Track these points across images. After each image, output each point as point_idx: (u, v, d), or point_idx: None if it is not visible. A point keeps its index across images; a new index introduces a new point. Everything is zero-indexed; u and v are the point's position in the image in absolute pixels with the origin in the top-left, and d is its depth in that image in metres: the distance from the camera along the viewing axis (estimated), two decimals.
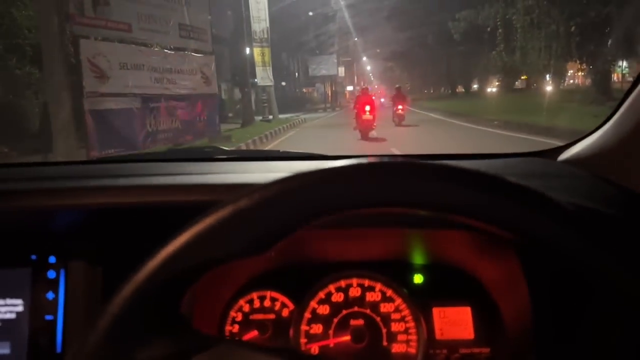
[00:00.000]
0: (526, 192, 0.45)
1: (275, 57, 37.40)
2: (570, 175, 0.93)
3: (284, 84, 39.32)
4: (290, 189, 0.44)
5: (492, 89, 35.30)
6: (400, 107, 16.26)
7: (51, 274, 0.85)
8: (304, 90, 47.55)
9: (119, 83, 8.81)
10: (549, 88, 23.96)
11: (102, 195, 0.83)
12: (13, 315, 0.83)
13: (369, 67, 75.43)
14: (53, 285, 0.84)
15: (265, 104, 21.22)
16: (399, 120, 16.24)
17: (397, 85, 18.62)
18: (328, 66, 38.61)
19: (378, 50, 53.31)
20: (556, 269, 0.66)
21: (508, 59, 21.75)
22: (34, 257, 0.85)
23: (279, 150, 1.55)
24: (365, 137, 13.16)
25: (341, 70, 46.92)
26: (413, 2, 34.52)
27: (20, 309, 0.84)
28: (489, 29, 22.42)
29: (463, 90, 41.14)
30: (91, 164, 1.28)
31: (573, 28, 19.21)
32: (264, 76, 21.25)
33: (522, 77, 33.27)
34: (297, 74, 45.26)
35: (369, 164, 0.45)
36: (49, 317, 0.84)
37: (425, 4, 33.01)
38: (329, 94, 43.40)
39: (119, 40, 8.98)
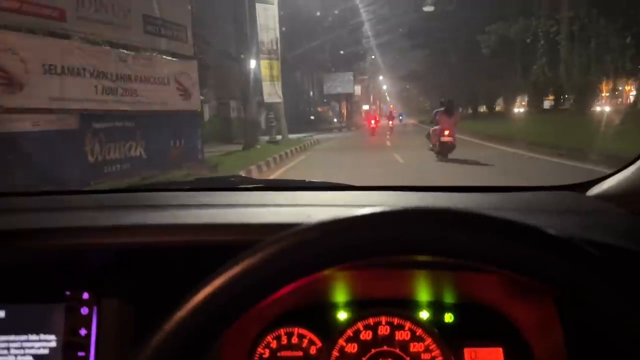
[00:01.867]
0: (566, 245, 0.44)
1: (288, 74, 35.05)
2: (604, 211, 0.90)
3: (295, 102, 36.45)
4: (315, 238, 0.45)
5: (519, 109, 31.92)
6: (447, 132, 9.87)
7: (84, 311, 0.83)
8: (319, 109, 44.75)
9: (40, 94, 5.84)
10: (597, 108, 20.56)
11: (137, 234, 0.82)
12: (46, 351, 0.83)
13: (384, 87, 72.71)
14: (86, 321, 0.82)
15: (273, 123, 18.14)
16: (445, 152, 9.95)
17: (446, 99, 11.42)
18: (344, 84, 35.67)
19: (396, 69, 50.42)
20: (593, 314, 0.57)
21: (551, 74, 18.51)
22: (68, 292, 0.83)
23: (304, 180, 1.34)
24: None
25: (357, 89, 43.99)
26: (436, 17, 31.51)
27: (53, 344, 0.83)
28: (527, 41, 19.12)
29: (487, 110, 37.79)
30: (120, 193, 1.23)
31: (629, 39, 15.91)
32: (271, 92, 18.23)
33: (549, 97, 29.88)
34: (311, 93, 42.47)
35: (399, 213, 0.45)
36: (81, 354, 0.82)
37: (450, 19, 29.98)
38: (344, 113, 40.38)
39: (44, 32, 6.09)
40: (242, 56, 16.67)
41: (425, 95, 54.43)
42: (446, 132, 9.83)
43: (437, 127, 10.03)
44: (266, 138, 18.13)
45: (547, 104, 32.16)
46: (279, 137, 19.95)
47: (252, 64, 17.67)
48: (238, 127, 27.06)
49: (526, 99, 31.74)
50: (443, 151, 9.98)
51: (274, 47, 18.22)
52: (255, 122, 17.15)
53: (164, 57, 8.16)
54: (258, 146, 16.36)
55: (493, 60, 26.68)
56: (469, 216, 0.45)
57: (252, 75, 16.88)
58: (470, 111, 41.43)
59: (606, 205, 0.92)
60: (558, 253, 0.43)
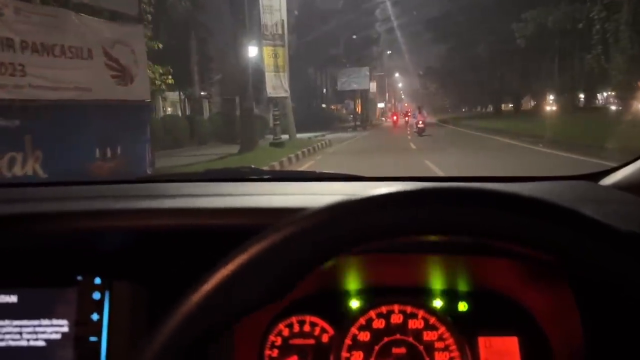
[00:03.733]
0: (582, 218, 0.42)
1: (299, 69, 32.08)
2: (620, 200, 0.89)
3: (307, 98, 33.32)
4: (336, 216, 0.43)
5: (551, 107, 28.32)
6: (421, 122, 19.64)
7: (96, 295, 0.82)
8: (332, 107, 41.63)
9: None
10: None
11: (149, 217, 0.81)
12: (58, 336, 0.82)
13: (400, 84, 69.22)
14: (98, 306, 0.81)
15: (278, 122, 14.97)
16: (419, 132, 19.25)
17: (419, 105, 22.63)
18: (359, 79, 32.36)
19: (412, 65, 47.06)
20: (611, 298, 0.58)
21: (607, 65, 15.08)
22: (79, 277, 0.83)
23: (315, 171, 1.41)
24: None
25: (373, 86, 40.67)
26: (462, 6, 28.12)
27: (65, 329, 0.82)
28: (569, 29, 15.67)
29: (512, 107, 34.23)
30: (131, 184, 1.18)
31: None
32: (276, 85, 15.07)
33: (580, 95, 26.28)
34: (324, 90, 39.32)
35: (415, 191, 0.43)
36: (93, 339, 0.81)
37: (477, 8, 26.56)
38: (359, 111, 37.10)
39: None
40: (238, 41, 13.53)
41: (444, 93, 51.03)
42: (420, 122, 19.42)
43: (414, 119, 20.51)
44: (271, 137, 15.04)
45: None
46: (285, 137, 16.84)
47: (253, 51, 14.56)
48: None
49: (555, 96, 28.16)
50: (419, 132, 19.14)
51: (280, 32, 15.05)
52: (253, 120, 14.01)
53: (81, 14, 4.96)
54: (257, 149, 13.27)
55: (526, 52, 23.25)
56: (499, 194, 0.42)
57: (250, 65, 13.71)
58: (492, 109, 37.84)
59: (621, 194, 0.90)
60: (581, 228, 0.42)
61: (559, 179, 1.04)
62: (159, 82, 16.31)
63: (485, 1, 25.54)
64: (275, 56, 14.92)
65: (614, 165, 0.99)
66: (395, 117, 29.14)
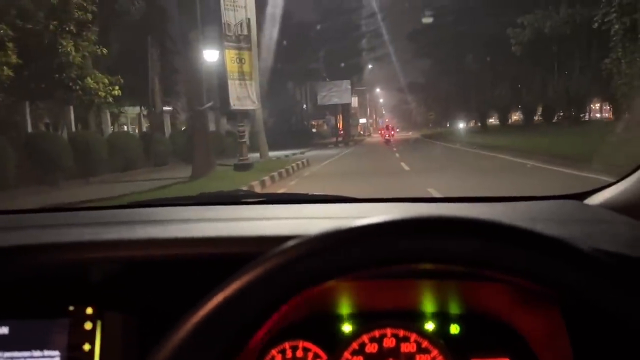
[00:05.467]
0: (568, 248, 0.43)
1: (280, 85, 29.59)
2: (606, 219, 0.88)
3: (286, 114, 30.60)
4: (306, 253, 0.43)
5: (557, 118, 26.00)
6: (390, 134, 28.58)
7: (88, 325, 0.80)
8: (313, 122, 38.98)
9: None
10: None
11: (140, 248, 0.80)
12: None
13: (381, 100, 67.06)
14: (89, 336, 0.80)
15: (244, 139, 12.07)
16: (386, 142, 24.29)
17: (387, 120, 27.39)
18: (340, 93, 29.74)
19: (394, 80, 44.85)
20: (599, 322, 0.57)
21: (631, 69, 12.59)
22: (71, 307, 0.81)
23: (307, 194, 1.26)
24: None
25: (354, 100, 38.15)
26: (450, 13, 25.81)
27: None
28: (595, 26, 13.20)
29: (499, 122, 31.92)
30: (123, 209, 1.19)
31: None
32: (242, 95, 12.22)
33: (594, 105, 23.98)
34: (305, 105, 36.67)
35: (402, 221, 0.43)
36: None
37: (465, 16, 24.24)
38: (341, 127, 34.43)
39: None
40: (189, 42, 10.66)
41: (426, 108, 48.83)
42: (387, 136, 29.85)
43: (385, 130, 32.66)
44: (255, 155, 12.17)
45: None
46: (255, 155, 13.98)
47: (211, 55, 11.74)
48: (214, 142, 21.18)
49: (548, 107, 25.88)
50: (386, 142, 26.20)
51: (245, 33, 12.25)
52: (208, 138, 11.07)
53: None
54: (216, 173, 10.37)
55: (520, 61, 20.89)
56: (487, 224, 0.43)
57: (209, 71, 10.81)
58: (478, 124, 35.62)
59: (609, 213, 0.90)
60: (570, 260, 0.42)
61: (546, 199, 1.04)
62: (104, 94, 13.46)
63: (475, 9, 23.22)
64: (240, 61, 12.10)
65: None
66: (382, 132, 28.93)
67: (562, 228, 0.81)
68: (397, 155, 16.93)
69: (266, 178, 9.75)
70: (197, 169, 10.15)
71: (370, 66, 40.57)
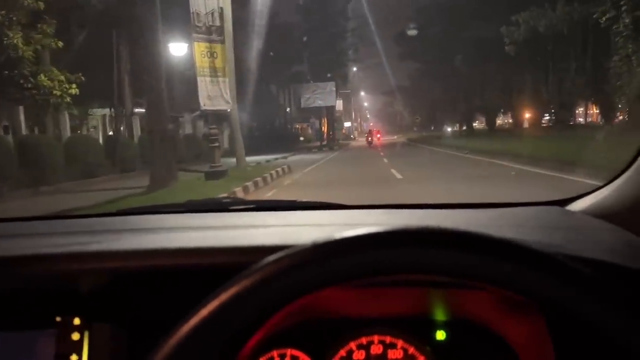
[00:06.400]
0: (546, 258, 0.43)
1: (263, 88, 28.04)
2: (592, 226, 0.88)
3: (269, 118, 29.07)
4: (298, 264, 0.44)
5: (524, 123, 24.86)
6: (375, 138, 28.10)
7: (75, 336, 0.79)
8: (297, 126, 37.46)
9: None
10: None
11: (128, 259, 0.79)
12: None
13: (366, 103, 65.81)
14: (77, 347, 0.78)
15: (216, 144, 10.48)
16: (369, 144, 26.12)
17: (371, 124, 29.26)
18: (324, 95, 28.26)
19: (379, 83, 43.59)
20: (581, 331, 0.57)
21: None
22: (58, 318, 0.80)
23: (296, 201, 1.27)
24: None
25: (339, 104, 36.74)
26: (439, 13, 24.54)
27: None
28: (603, 20, 11.92)
29: (486, 126, 30.77)
30: (112, 216, 1.17)
31: None
32: (214, 94, 10.64)
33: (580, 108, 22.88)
34: (288, 108, 35.13)
35: (389, 233, 0.44)
36: None
37: (455, 17, 22.99)
38: (326, 130, 32.97)
39: None
40: (147, 33, 9.06)
41: (411, 111, 47.66)
42: (373, 138, 28.11)
43: (368, 135, 29.47)
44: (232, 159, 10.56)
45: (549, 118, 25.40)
46: (232, 160, 12.40)
47: (179, 49, 10.15)
48: (188, 148, 19.41)
49: (538, 110, 24.79)
50: (371, 145, 26.37)
51: (218, 24, 10.69)
52: (168, 143, 9.40)
53: None
54: (182, 183, 8.78)
55: (512, 62, 19.69)
56: (464, 235, 0.44)
57: (159, 66, 9.22)
58: (456, 127, 34.48)
59: (591, 220, 0.89)
60: (548, 271, 0.43)
61: (530, 205, 1.04)
62: (59, 93, 11.78)
63: (465, 9, 21.98)
64: (212, 55, 10.53)
65: None
66: (367, 137, 28.68)
67: (545, 235, 0.81)
68: (385, 160, 15.49)
69: (238, 189, 8.20)
70: (155, 180, 8.54)
71: (355, 69, 39.25)
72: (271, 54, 25.78)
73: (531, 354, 0.77)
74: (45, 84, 11.03)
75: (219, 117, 13.15)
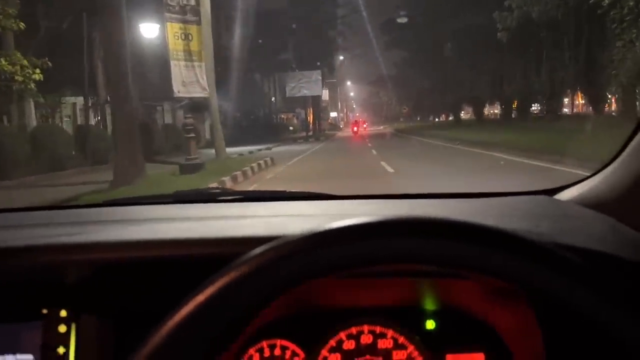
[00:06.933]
0: (535, 247, 0.43)
1: (247, 77, 26.98)
2: (580, 215, 0.87)
3: (253, 107, 28.07)
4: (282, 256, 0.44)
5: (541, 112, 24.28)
6: (359, 127, 28.87)
7: (62, 328, 0.78)
8: (283, 116, 36.45)
9: None
10: None
11: (115, 250, 0.79)
12: None
13: (352, 93, 64.91)
14: (64, 339, 0.78)
15: (192, 134, 9.56)
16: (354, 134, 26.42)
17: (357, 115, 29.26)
18: (310, 85, 27.32)
19: (365, 73, 42.77)
20: (570, 316, 0.56)
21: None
22: (45, 311, 0.80)
23: (285, 191, 1.24)
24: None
25: (325, 93, 35.82)
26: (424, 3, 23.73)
27: None
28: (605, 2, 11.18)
29: (474, 116, 30.17)
30: (98, 207, 1.15)
31: None
32: (189, 80, 9.70)
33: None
34: (273, 98, 34.08)
35: (377, 224, 0.44)
36: None
37: (443, 4, 22.22)
38: (311, 120, 32.06)
39: None
40: (109, 14, 8.04)
41: (398, 101, 46.92)
42: (359, 128, 29.91)
43: (354, 125, 31.75)
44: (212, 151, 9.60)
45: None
46: (213, 152, 11.51)
47: (150, 30, 9.16)
48: (167, 138, 18.34)
49: (525, 100, 24.25)
50: (361, 138, 24.71)
51: (193, 3, 9.70)
52: (135, 134, 8.41)
53: None
54: (154, 177, 7.86)
55: (504, 49, 19.01)
56: (453, 224, 0.44)
57: (123, 48, 8.20)
58: (441, 118, 33.87)
59: (579, 209, 0.88)
60: (538, 260, 0.43)
61: (518, 194, 1.03)
62: (21, 78, 10.74)
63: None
64: (186, 37, 9.57)
65: None
66: (353, 127, 28.09)
67: (533, 224, 0.80)
68: (374, 152, 14.71)
69: (213, 184, 7.33)
70: (119, 175, 7.60)
71: (341, 57, 38.29)
72: (256, 41, 24.78)
73: (520, 343, 0.77)
74: (6, 69, 10.00)
75: (199, 106, 12.24)
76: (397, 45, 31.52)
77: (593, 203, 0.86)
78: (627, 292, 0.41)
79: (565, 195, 0.96)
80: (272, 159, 12.37)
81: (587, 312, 0.41)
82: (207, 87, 10.05)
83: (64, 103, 16.84)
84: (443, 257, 0.43)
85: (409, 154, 13.49)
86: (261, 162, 11.33)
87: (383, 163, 10.66)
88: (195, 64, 9.77)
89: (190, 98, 10.10)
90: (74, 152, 13.36)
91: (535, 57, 18.79)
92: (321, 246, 0.43)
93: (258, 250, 0.44)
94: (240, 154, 13.79)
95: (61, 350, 0.75)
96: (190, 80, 9.66)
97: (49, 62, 10.63)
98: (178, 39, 9.49)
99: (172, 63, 9.40)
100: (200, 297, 0.42)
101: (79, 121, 16.54)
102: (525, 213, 0.89)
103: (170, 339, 0.41)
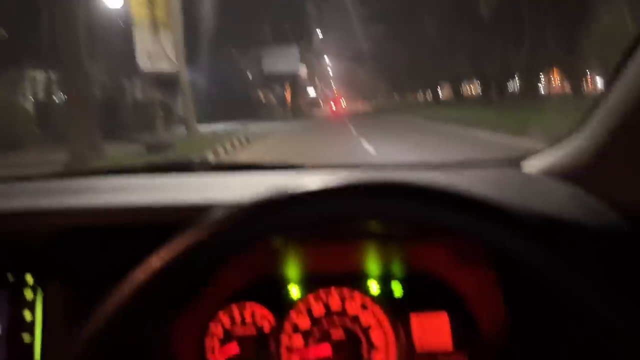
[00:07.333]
0: (494, 207, 0.45)
1: (221, 51, 25.91)
2: (544, 185, 0.88)
3: (228, 84, 27.03)
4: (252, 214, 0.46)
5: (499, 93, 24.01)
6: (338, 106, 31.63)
7: (29, 295, 0.79)
8: (259, 92, 35.45)
9: None
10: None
11: (80, 216, 0.79)
12: None
13: (330, 70, 63.76)
14: (31, 306, 0.79)
15: (160, 111, 8.82)
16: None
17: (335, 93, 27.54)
18: (288, 60, 26.47)
19: (343, 48, 41.81)
20: (529, 282, 0.58)
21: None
22: (10, 277, 0.80)
23: (261, 162, 1.22)
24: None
25: (303, 70, 34.91)
26: None
27: None
28: None
29: (453, 94, 29.84)
30: (69, 178, 1.13)
31: None
32: (154, 51, 8.92)
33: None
34: (249, 74, 33.00)
35: (337, 187, 0.45)
36: (26, 339, 0.78)
37: None
38: (289, 98, 31.23)
39: None
40: None
41: (376, 79, 46.24)
42: (337, 106, 38.59)
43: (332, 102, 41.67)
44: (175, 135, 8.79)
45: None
46: (182, 130, 10.79)
47: None
48: (137, 116, 17.34)
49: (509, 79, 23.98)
50: (340, 116, 24.41)
51: None
52: (90, 111, 7.62)
53: None
54: (110, 159, 7.16)
55: (487, 26, 18.58)
56: (420, 187, 0.45)
57: (74, 15, 7.36)
58: (430, 98, 33.48)
59: (544, 179, 0.89)
60: (498, 219, 0.44)
61: (482, 164, 1.05)
62: None
63: None
64: (151, 4, 8.74)
65: None
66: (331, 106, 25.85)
67: (496, 192, 0.81)
68: (354, 132, 14.17)
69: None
70: (75, 157, 6.87)
71: (319, 31, 37.28)
72: (230, 12, 23.69)
73: (482, 306, 0.80)
74: None
75: (170, 81, 11.43)
76: (376, 19, 30.73)
77: (557, 172, 0.87)
78: (587, 255, 0.41)
79: (530, 164, 0.96)
80: (247, 138, 11.73)
81: (546, 273, 0.41)
82: (175, 60, 9.28)
83: (33, 77, 15.71)
84: (405, 215, 0.43)
85: (391, 134, 12.98)
86: (235, 141, 10.69)
87: (364, 144, 10.17)
88: (162, 34, 8.96)
89: (158, 72, 9.31)
90: (35, 130, 12.49)
91: (516, 33, 18.37)
92: (283, 206, 0.44)
93: (214, 213, 0.44)
94: (214, 132, 13.11)
95: (28, 317, 0.76)
96: (156, 51, 8.88)
97: (4, 33, 9.71)
98: (142, 6, 8.65)
99: (136, 34, 8.59)
100: (154, 262, 0.42)
101: (41, 97, 15.46)
102: (490, 182, 0.89)
103: (125, 303, 0.41)
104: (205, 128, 13.14)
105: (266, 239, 0.44)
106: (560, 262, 0.42)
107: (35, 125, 12.04)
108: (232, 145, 10.10)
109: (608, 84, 0.75)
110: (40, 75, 14.95)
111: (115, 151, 8.54)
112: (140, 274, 0.43)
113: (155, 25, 8.86)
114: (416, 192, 0.44)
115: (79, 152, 6.77)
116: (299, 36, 30.41)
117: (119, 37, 14.94)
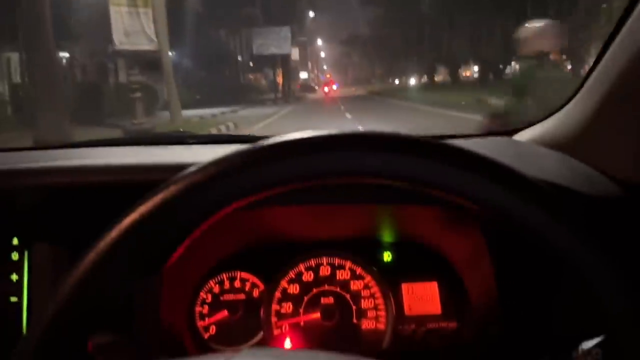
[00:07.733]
0: (491, 165, 0.44)
1: (211, 33, 24.93)
2: (538, 154, 0.89)
3: (218, 66, 26.11)
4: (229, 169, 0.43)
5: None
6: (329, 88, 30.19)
7: (15, 256, 0.79)
8: (250, 76, 34.48)
9: None
10: None
11: (63, 174, 0.80)
12: None
13: (323, 53, 62.61)
14: (17, 267, 0.79)
15: (137, 93, 8.10)
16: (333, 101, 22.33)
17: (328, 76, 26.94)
18: (279, 42, 25.45)
19: (337, 31, 40.86)
20: (520, 244, 0.59)
21: None
22: None
23: (248, 135, 1.36)
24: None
25: (295, 52, 33.95)
26: None
27: None
28: None
29: (450, 78, 29.12)
30: (56, 149, 1.10)
31: None
32: (132, 29, 8.18)
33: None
34: (239, 57, 32.02)
35: (330, 137, 0.43)
36: (13, 299, 0.79)
37: None
38: (281, 81, 30.35)
39: None
40: None
41: (370, 62, 45.32)
42: (328, 89, 34.27)
43: (325, 86, 36.82)
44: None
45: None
46: (166, 114, 10.06)
47: None
48: (119, 100, 16.39)
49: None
50: (334, 100, 22.94)
51: None
52: (57, 92, 6.88)
53: None
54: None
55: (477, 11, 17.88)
56: (410, 140, 0.44)
57: None
58: (414, 80, 32.78)
59: (538, 148, 0.91)
60: (493, 176, 0.43)
61: (476, 136, 1.05)
62: None
63: None
64: None
65: None
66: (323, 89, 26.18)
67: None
68: (348, 116, 13.50)
69: None
70: (40, 143, 6.18)
71: (311, 13, 36.23)
72: None
73: (471, 272, 0.79)
74: None
75: (154, 62, 10.64)
76: (371, 2, 29.78)
77: (551, 142, 0.87)
78: (580, 218, 0.42)
79: (524, 135, 0.96)
80: (235, 124, 11.01)
81: (541, 235, 0.41)
82: (154, 38, 8.50)
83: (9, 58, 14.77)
84: (390, 171, 0.42)
85: (387, 119, 12.35)
86: (222, 127, 9.99)
87: (347, 114, 9.55)
88: (140, 10, 8.18)
89: (135, 50, 8.54)
90: (9, 114, 11.71)
91: (516, 14, 17.66)
92: (261, 160, 0.42)
93: (192, 168, 0.42)
94: (201, 117, 12.38)
95: (14, 277, 0.77)
96: (134, 29, 8.12)
97: None
98: None
99: (112, 9, 7.83)
100: (130, 217, 0.42)
101: (15, 80, 14.56)
102: (486, 150, 0.94)
103: (99, 259, 0.41)
104: (191, 113, 12.41)
105: (259, 193, 0.41)
106: (559, 224, 0.41)
107: (10, 109, 11.22)
108: (219, 131, 9.40)
109: (597, 57, 0.76)
110: (14, 57, 14.06)
111: (90, 137, 7.84)
112: (114, 231, 0.42)
113: (132, 1, 8.06)
114: (425, 149, 0.42)
115: (41, 137, 6.07)
116: (291, 17, 29.42)
117: (99, 15, 14.07)
